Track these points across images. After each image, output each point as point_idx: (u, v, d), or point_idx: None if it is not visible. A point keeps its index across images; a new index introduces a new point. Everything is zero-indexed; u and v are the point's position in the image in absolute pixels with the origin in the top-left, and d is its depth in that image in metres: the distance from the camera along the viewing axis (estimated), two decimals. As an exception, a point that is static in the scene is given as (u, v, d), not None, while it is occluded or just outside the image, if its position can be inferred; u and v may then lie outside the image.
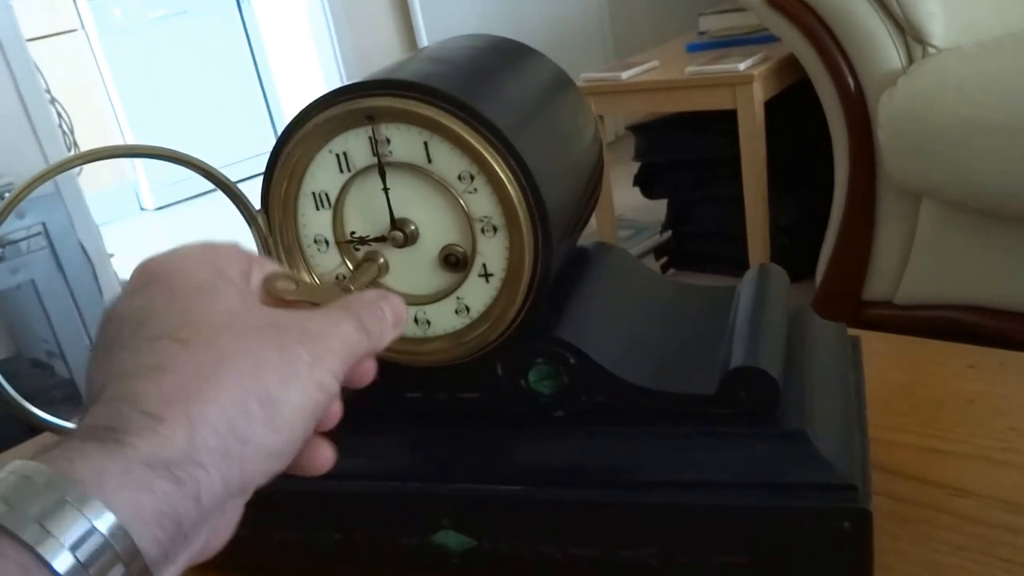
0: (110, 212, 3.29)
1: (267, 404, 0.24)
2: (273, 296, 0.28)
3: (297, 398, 0.24)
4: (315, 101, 0.34)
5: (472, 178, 0.33)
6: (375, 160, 0.34)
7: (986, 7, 1.26)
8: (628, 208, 2.33)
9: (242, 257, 0.28)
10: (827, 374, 0.39)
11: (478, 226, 0.35)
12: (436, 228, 0.36)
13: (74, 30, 3.39)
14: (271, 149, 0.35)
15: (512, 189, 0.33)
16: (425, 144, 0.33)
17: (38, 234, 1.40)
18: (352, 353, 0.27)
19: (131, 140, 3.57)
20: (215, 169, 0.34)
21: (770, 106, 1.49)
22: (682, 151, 1.85)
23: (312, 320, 0.26)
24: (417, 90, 0.32)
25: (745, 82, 1.40)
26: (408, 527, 0.40)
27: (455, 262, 0.36)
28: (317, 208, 0.36)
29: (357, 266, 0.36)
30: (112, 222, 3.23)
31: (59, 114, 2.48)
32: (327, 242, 0.37)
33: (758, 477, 0.34)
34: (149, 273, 0.28)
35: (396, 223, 0.36)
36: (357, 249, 0.37)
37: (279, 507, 0.41)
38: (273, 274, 0.28)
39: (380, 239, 0.36)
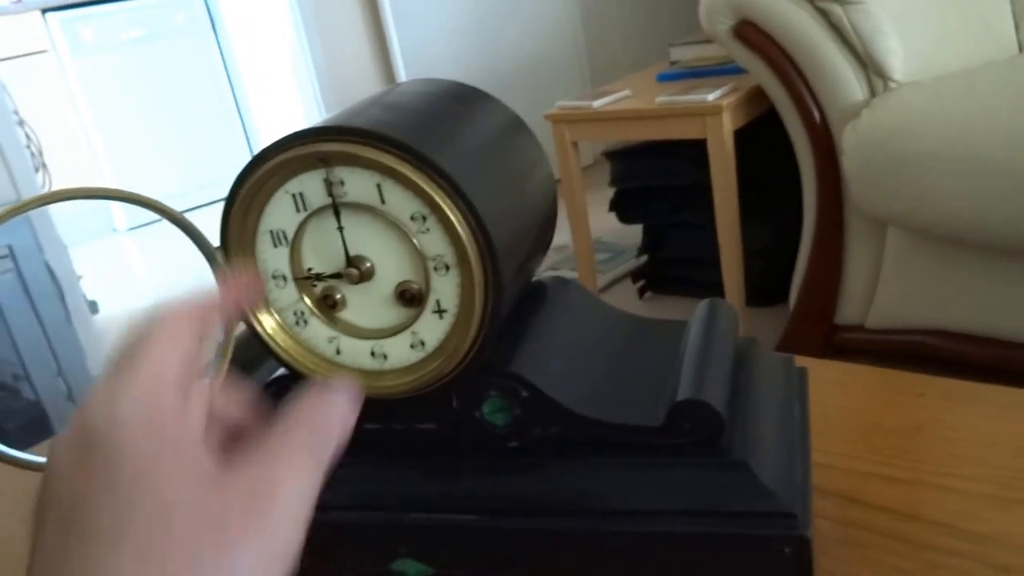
0: (81, 233, 3.27)
1: None
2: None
3: None
4: (272, 144, 0.35)
5: (424, 219, 0.35)
6: (330, 200, 0.36)
7: (944, 44, 1.31)
8: (606, 231, 2.36)
9: (180, 384, 0.27)
10: (772, 405, 0.41)
11: (431, 264, 0.36)
12: (391, 265, 0.37)
13: (44, 51, 3.39)
14: (229, 188, 0.36)
15: (462, 230, 0.34)
16: (378, 186, 0.35)
17: (4, 256, 1.39)
18: (313, 483, 0.27)
19: (103, 161, 3.56)
20: (171, 208, 0.36)
21: (742, 132, 1.52)
22: (656, 177, 1.88)
23: (259, 470, 0.26)
24: (370, 136, 0.34)
25: (714, 112, 1.44)
26: (367, 555, 0.41)
27: (410, 298, 0.37)
28: (275, 245, 0.37)
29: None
30: (83, 243, 3.21)
31: (27, 136, 2.48)
32: (285, 278, 0.38)
33: (703, 506, 0.36)
34: (88, 439, 0.25)
35: (352, 260, 0.37)
36: (314, 285, 0.38)
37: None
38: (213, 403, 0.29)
39: (336, 276, 0.38)
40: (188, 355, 0.28)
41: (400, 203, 0.35)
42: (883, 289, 1.35)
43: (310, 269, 0.38)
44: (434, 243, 0.36)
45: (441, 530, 0.40)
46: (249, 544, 0.24)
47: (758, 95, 1.48)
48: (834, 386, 0.55)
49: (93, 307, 2.30)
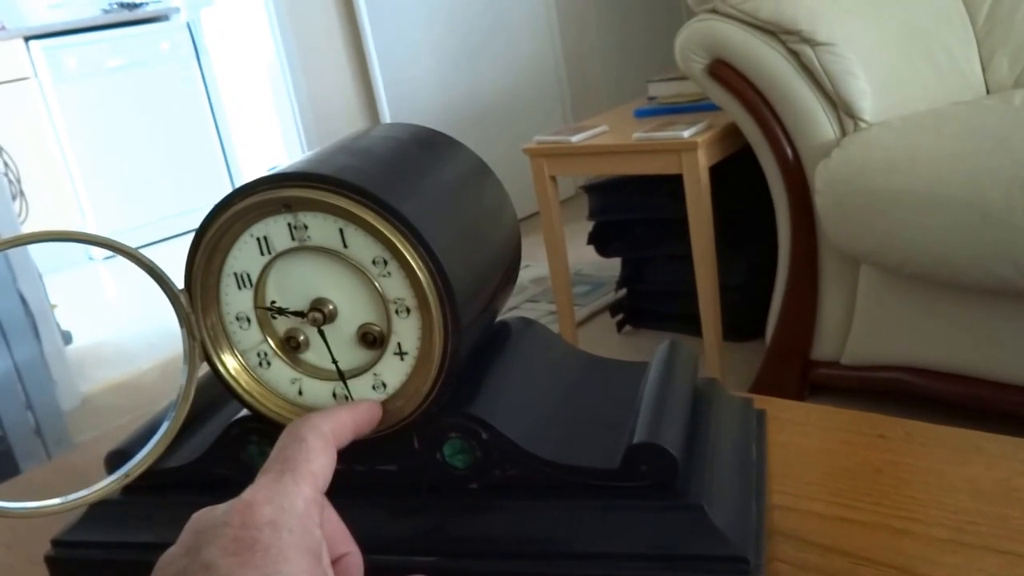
0: (56, 261, 3.25)
1: None
2: None
3: None
4: (237, 189, 0.36)
5: (385, 263, 0.36)
6: (294, 244, 0.37)
7: (913, 85, 1.34)
8: (585, 264, 2.38)
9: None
10: (729, 447, 0.41)
11: (392, 307, 0.37)
12: (353, 307, 0.38)
13: (26, 78, 3.39)
14: (194, 232, 0.37)
15: (422, 274, 0.35)
16: (340, 231, 0.36)
17: (-24, 289, 1.39)
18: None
19: (81, 189, 3.55)
20: (136, 250, 0.36)
21: (719, 167, 1.54)
22: (634, 211, 1.90)
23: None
24: (332, 183, 0.35)
25: (689, 149, 1.46)
26: (327, 597, 0.41)
27: (372, 340, 0.38)
28: (239, 288, 0.38)
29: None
30: (58, 271, 3.20)
31: (5, 163, 2.48)
32: (249, 320, 0.39)
33: (658, 549, 0.37)
34: (251, 538, 0.28)
35: (315, 303, 0.38)
36: (275, 318, 0.39)
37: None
38: None
39: (299, 314, 0.38)
40: (332, 468, 0.33)
41: (362, 247, 0.36)
42: (858, 326, 1.37)
43: (273, 302, 0.38)
44: (395, 287, 0.36)
45: (401, 572, 0.40)
46: None
47: (733, 132, 1.51)
48: (795, 426, 0.55)
49: (67, 337, 2.28)
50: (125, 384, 2.26)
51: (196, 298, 0.38)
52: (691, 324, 1.75)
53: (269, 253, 0.37)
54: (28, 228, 2.24)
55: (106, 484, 0.37)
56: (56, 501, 0.35)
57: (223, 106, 3.84)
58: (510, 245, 0.43)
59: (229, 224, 0.37)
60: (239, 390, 0.40)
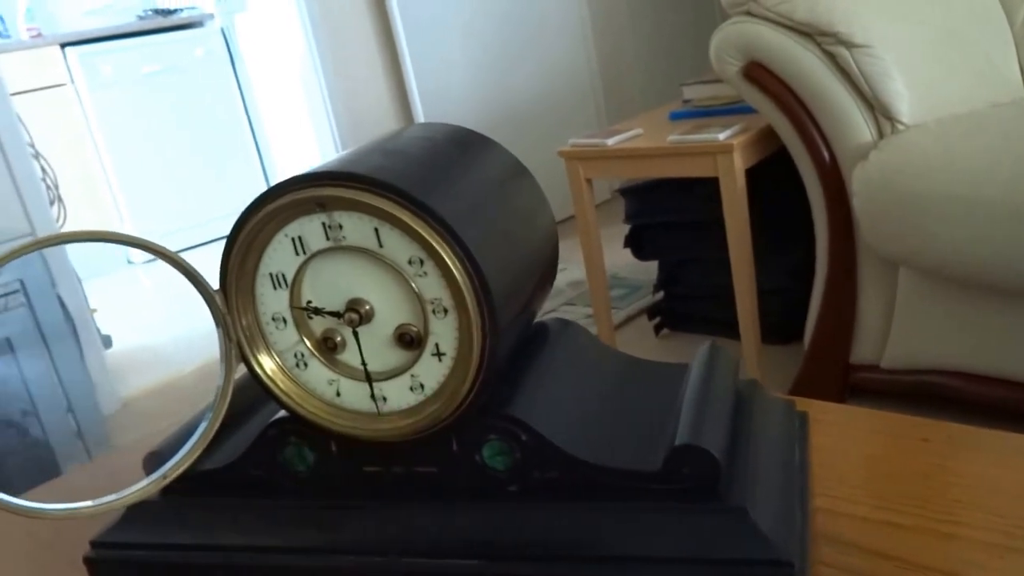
0: (96, 265, 3.31)
1: None
2: None
3: None
4: (270, 189, 0.36)
5: (422, 263, 0.36)
6: (329, 244, 0.37)
7: (950, 87, 1.32)
8: (622, 267, 2.37)
9: None
10: (772, 450, 0.41)
11: (429, 307, 0.37)
12: (390, 308, 0.38)
13: (62, 84, 3.46)
14: (229, 231, 0.37)
15: (458, 274, 0.35)
16: (376, 230, 0.36)
17: (15, 291, 1.41)
18: None
19: (118, 194, 3.61)
20: (172, 252, 0.37)
21: (756, 169, 1.53)
22: (671, 213, 1.89)
23: None
24: (367, 182, 0.35)
25: (725, 151, 1.45)
26: (365, 600, 0.41)
27: (409, 340, 0.38)
28: (275, 288, 0.38)
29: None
30: (97, 276, 3.25)
31: (43, 169, 2.53)
32: (285, 320, 0.39)
33: (700, 552, 0.36)
34: None
35: (351, 303, 0.38)
36: (311, 318, 0.39)
37: (235, 580, 0.42)
38: None
39: (335, 314, 0.38)
40: None
41: (397, 247, 0.36)
42: (897, 329, 1.34)
43: (309, 302, 0.38)
44: (431, 287, 0.36)
45: (440, 575, 0.40)
46: None
47: (769, 134, 1.49)
48: (837, 429, 0.54)
49: (107, 341, 2.31)
50: (165, 388, 2.28)
51: (232, 299, 0.38)
52: (728, 327, 1.73)
53: (304, 253, 0.37)
54: (67, 228, 2.28)
55: (143, 485, 0.38)
56: (93, 503, 0.36)
57: (258, 111, 3.88)
58: (547, 245, 0.43)
59: (263, 224, 0.37)
60: (276, 391, 0.40)
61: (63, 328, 1.53)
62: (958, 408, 1.28)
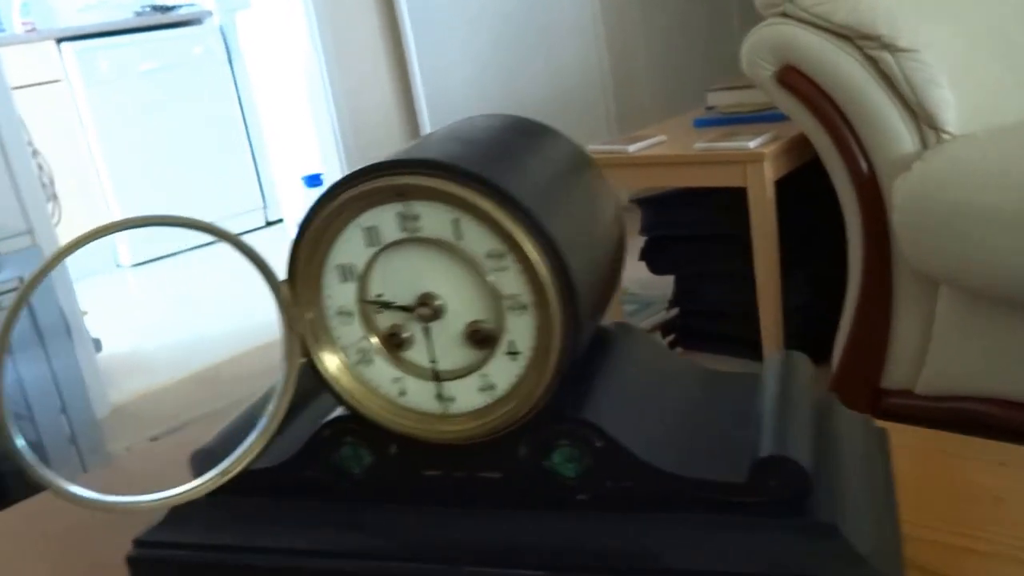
0: (84, 267, 3.30)
1: None
2: None
3: None
4: (347, 176, 0.36)
5: (501, 256, 0.35)
6: (403, 235, 0.36)
7: (999, 96, 1.31)
8: (634, 282, 2.36)
9: None
10: (856, 466, 0.40)
11: (506, 304, 0.36)
12: (463, 304, 0.37)
13: (58, 80, 3.46)
14: (300, 221, 0.36)
15: (542, 268, 0.34)
16: (455, 222, 0.35)
17: (14, 289, 1.41)
18: None
19: (110, 193, 3.60)
20: (244, 241, 0.36)
21: (781, 181, 1.53)
22: (690, 226, 1.88)
23: None
24: (448, 169, 0.34)
25: (755, 160, 1.44)
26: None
27: (481, 339, 0.37)
28: (342, 281, 0.38)
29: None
30: (86, 277, 3.24)
31: (39, 166, 2.52)
32: (351, 314, 0.38)
33: (787, 570, 0.35)
34: None
35: (422, 298, 0.37)
36: (379, 312, 0.38)
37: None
38: None
39: (406, 309, 0.38)
40: None
41: (477, 240, 0.35)
42: (935, 352, 1.33)
43: (379, 295, 0.38)
44: (510, 282, 0.36)
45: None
46: None
47: (800, 144, 1.49)
48: (903, 450, 0.54)
49: (97, 345, 2.30)
50: (155, 393, 2.28)
51: (298, 291, 0.38)
52: (747, 346, 1.73)
53: (376, 244, 0.37)
54: (61, 231, 2.27)
55: (204, 481, 0.37)
56: (154, 497, 0.35)
57: (256, 111, 3.88)
58: (617, 238, 0.43)
59: (336, 214, 0.36)
60: (338, 388, 0.39)
61: (59, 330, 1.52)
62: (997, 438, 1.26)
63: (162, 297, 3.26)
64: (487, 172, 0.35)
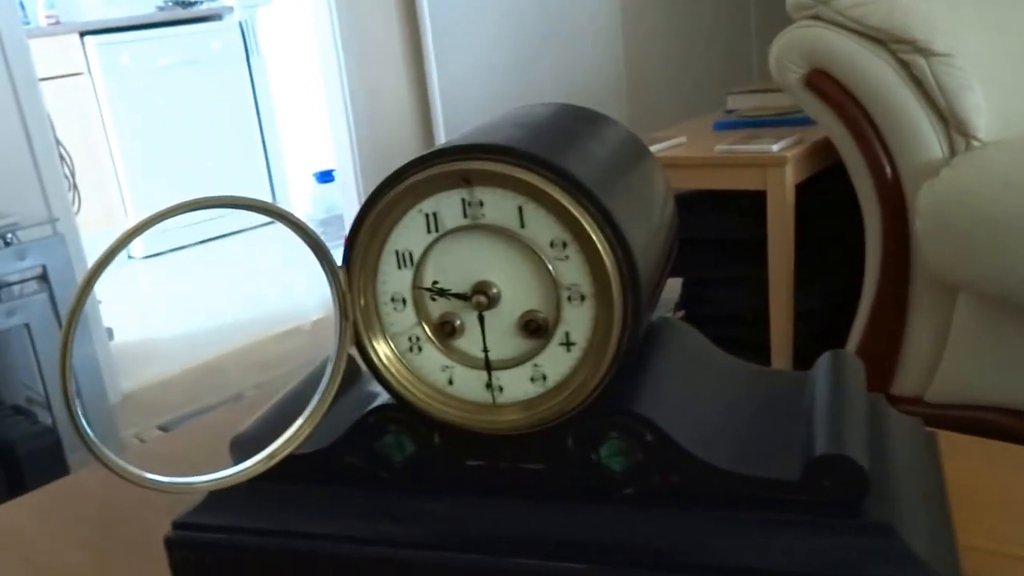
0: (95, 257, 3.29)
1: None
2: None
3: None
4: (411, 161, 0.35)
5: (565, 245, 0.34)
6: (465, 222, 0.35)
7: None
8: (642, 285, 2.35)
9: None
10: (909, 467, 0.39)
11: (565, 294, 0.35)
12: (519, 293, 0.37)
13: (80, 73, 3.46)
14: (361, 206, 0.36)
15: (608, 258, 0.34)
16: (519, 208, 0.34)
17: (38, 277, 1.40)
18: None
19: (125, 186, 3.61)
20: (308, 227, 0.35)
21: (798, 187, 1.52)
22: (701, 229, 1.86)
23: None
24: (515, 155, 0.34)
25: (777, 164, 1.43)
26: (463, 600, 0.40)
27: (535, 328, 0.37)
28: (399, 267, 0.37)
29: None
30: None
31: (61, 156, 2.52)
32: (404, 301, 0.38)
33: (842, 570, 0.35)
34: None
35: (478, 286, 0.37)
36: (434, 299, 0.38)
37: (326, 572, 0.41)
38: None
39: (461, 296, 0.37)
40: None
41: (541, 227, 0.35)
42: (949, 360, 1.32)
43: (435, 282, 0.37)
44: (571, 272, 0.35)
45: (546, 578, 0.38)
46: None
47: (822, 149, 1.48)
48: (948, 458, 0.53)
49: (109, 334, 2.31)
50: (165, 382, 2.29)
51: (355, 276, 0.37)
52: (755, 352, 1.71)
53: (436, 231, 0.36)
54: (81, 221, 2.28)
55: (252, 464, 0.37)
56: (208, 478, 0.35)
57: (272, 108, 3.88)
58: (673, 227, 0.42)
59: (399, 198, 0.36)
60: (388, 377, 0.38)
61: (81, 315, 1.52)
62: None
63: (172, 289, 3.26)
64: (555, 158, 0.34)
